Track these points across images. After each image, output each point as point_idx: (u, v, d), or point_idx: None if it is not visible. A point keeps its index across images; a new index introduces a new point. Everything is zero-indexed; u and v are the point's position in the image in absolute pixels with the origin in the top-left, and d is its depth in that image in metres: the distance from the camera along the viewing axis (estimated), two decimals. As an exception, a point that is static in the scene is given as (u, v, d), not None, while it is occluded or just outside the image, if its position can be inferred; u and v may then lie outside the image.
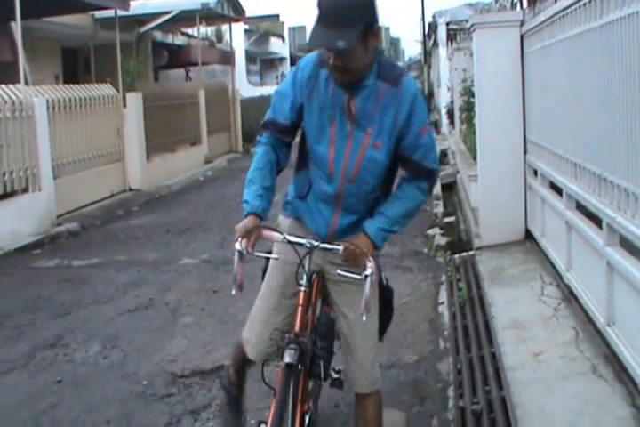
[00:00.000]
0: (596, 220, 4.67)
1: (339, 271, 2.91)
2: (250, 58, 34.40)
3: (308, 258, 2.97)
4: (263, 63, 39.19)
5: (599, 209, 4.44)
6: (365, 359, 3.10)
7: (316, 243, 2.93)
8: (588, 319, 4.68)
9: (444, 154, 15.17)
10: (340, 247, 2.88)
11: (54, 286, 7.31)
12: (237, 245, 2.85)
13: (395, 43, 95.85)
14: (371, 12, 2.64)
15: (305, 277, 2.98)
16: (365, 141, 2.86)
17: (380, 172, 2.95)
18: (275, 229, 2.98)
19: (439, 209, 10.02)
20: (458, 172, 11.78)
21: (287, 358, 2.79)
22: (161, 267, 7.83)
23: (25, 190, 9.84)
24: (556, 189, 5.89)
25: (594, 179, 4.60)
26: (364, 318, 2.75)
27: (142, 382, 4.78)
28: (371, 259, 2.78)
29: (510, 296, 5.61)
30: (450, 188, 11.68)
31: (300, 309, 2.95)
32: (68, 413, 4.41)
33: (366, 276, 2.74)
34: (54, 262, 8.40)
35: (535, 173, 6.75)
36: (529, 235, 7.00)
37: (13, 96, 9.69)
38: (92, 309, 6.48)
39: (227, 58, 23.71)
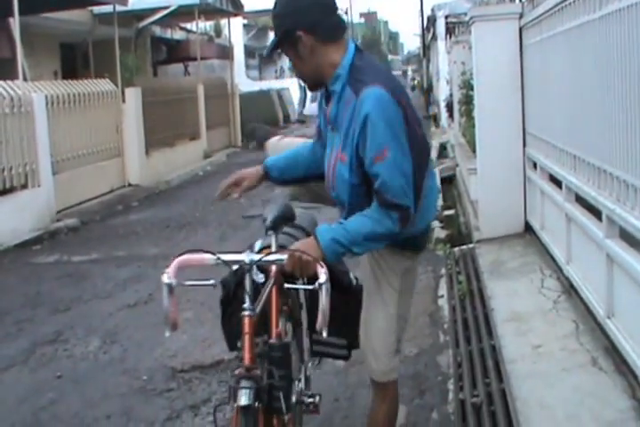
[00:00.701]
0: (595, 212, 4.66)
1: (286, 285, 2.77)
2: (249, 52, 34.35)
3: (248, 276, 2.64)
4: (262, 57, 39.09)
5: (599, 201, 4.42)
6: (379, 347, 2.95)
7: (256, 257, 2.63)
8: (588, 312, 4.67)
9: (443, 147, 15.18)
10: (284, 256, 2.57)
11: (54, 281, 7.32)
12: (165, 278, 2.51)
13: (394, 37, 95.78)
14: (290, 19, 2.64)
15: (247, 299, 2.61)
16: (338, 150, 2.72)
17: (348, 189, 2.70)
18: (208, 251, 2.64)
19: (438, 202, 10.01)
20: (457, 165, 11.77)
21: (242, 400, 2.43)
22: (161, 262, 7.80)
23: (24, 186, 9.86)
24: (556, 181, 5.87)
25: (593, 171, 4.58)
26: (324, 334, 2.52)
27: (142, 378, 4.78)
28: (322, 264, 2.48)
29: (510, 289, 5.60)
30: (449, 181, 11.66)
31: (246, 337, 2.55)
32: (68, 408, 4.41)
33: (320, 284, 2.44)
34: (54, 258, 8.41)
35: (534, 165, 6.73)
36: (528, 228, 6.99)
37: (12, 92, 9.68)
38: (91, 304, 6.48)
39: (225, 52, 23.71)
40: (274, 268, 2.87)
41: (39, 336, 5.67)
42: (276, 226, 2.98)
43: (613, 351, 4.08)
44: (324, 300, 2.45)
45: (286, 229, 3.19)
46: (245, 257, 2.63)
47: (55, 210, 10.43)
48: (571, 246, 5.32)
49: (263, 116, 24.99)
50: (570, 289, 5.18)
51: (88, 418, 4.27)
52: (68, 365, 5.11)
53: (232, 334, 3.21)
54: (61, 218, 10.39)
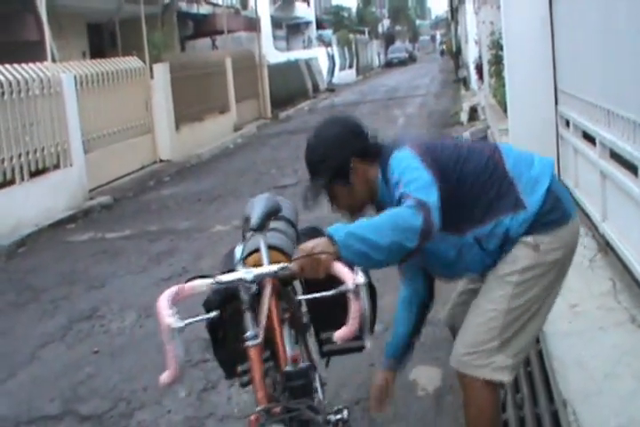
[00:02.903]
0: (630, 168, 4.55)
1: (299, 297, 2.39)
2: (275, 23, 34.15)
3: (246, 296, 2.31)
4: (289, 28, 38.88)
5: (634, 156, 4.32)
6: (466, 334, 2.66)
7: (256, 271, 2.28)
8: (626, 269, 4.57)
9: (473, 110, 15.00)
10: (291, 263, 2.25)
11: (89, 258, 7.37)
12: (173, 321, 2.10)
13: (421, 1, 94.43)
14: (338, 153, 2.57)
15: (250, 323, 2.29)
16: None
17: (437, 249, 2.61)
18: (204, 276, 2.32)
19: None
20: (488, 127, 11.60)
21: None
22: (193, 235, 7.85)
23: (56, 166, 9.94)
24: (589, 138, 5.75)
25: (628, 125, 4.45)
26: (367, 344, 2.36)
27: (178, 350, 4.79)
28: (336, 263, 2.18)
29: (545, 249, 5.51)
30: (482, 144, 11.51)
31: (256, 371, 2.23)
32: (105, 382, 4.45)
33: (357, 286, 2.10)
34: (88, 236, 8.47)
35: (567, 123, 6.59)
36: (563, 187, 6.86)
37: (41, 74, 9.72)
38: (126, 279, 6.52)
39: (252, 24, 23.55)
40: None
41: (75, 313, 5.71)
42: (263, 225, 2.61)
43: (652, 308, 4.00)
44: (365, 303, 2.12)
45: (272, 223, 2.78)
46: (244, 274, 2.27)
47: (88, 188, 10.50)
48: (606, 203, 5.21)
49: (292, 87, 24.91)
50: (606, 247, 5.08)
51: (125, 391, 4.30)
52: (105, 340, 5.15)
53: (228, 360, 2.85)
54: (94, 196, 10.47)
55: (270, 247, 2.56)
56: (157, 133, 13.65)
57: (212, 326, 2.73)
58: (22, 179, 9.07)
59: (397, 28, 72.72)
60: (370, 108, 21.13)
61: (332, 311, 2.48)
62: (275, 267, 2.28)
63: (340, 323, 2.20)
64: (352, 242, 2.21)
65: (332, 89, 30.02)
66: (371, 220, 2.31)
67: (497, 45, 11.16)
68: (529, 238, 2.55)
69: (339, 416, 2.49)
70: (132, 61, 13.13)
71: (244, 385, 2.89)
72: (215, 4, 23.14)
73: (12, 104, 8.99)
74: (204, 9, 23.23)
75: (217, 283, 2.24)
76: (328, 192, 2.61)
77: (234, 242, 2.52)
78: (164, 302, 2.15)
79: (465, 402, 2.69)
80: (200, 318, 2.28)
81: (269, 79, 21.69)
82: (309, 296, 2.26)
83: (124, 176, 12.04)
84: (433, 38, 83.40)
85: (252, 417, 2.22)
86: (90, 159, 10.76)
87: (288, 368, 2.34)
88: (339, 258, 2.20)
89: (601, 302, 4.28)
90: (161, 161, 13.60)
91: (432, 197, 2.34)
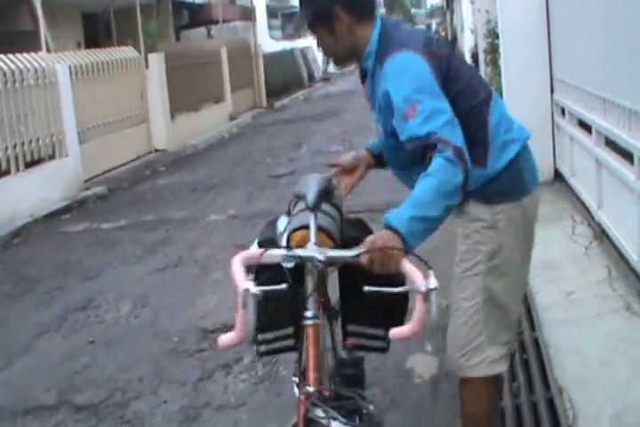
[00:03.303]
0: (626, 156, 4.54)
1: (367, 288, 2.13)
2: (271, 13, 33.98)
3: (311, 277, 2.33)
4: (284, 17, 38.68)
5: (630, 144, 4.31)
6: (454, 337, 2.64)
7: (330, 253, 2.28)
8: (621, 257, 4.57)
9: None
10: (361, 250, 2.18)
11: (84, 249, 7.35)
12: (250, 286, 2.06)
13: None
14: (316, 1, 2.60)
15: (311, 303, 2.32)
16: (379, 126, 2.66)
17: (393, 154, 2.64)
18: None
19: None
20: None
21: None
22: (189, 225, 7.83)
23: (52, 157, 9.88)
24: (585, 127, 5.74)
25: (624, 113, 4.45)
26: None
27: (174, 339, 4.80)
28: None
29: (541, 237, 5.43)
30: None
31: (312, 352, 2.25)
32: (101, 372, 4.44)
33: (430, 290, 2.00)
34: (83, 226, 8.44)
35: (563, 111, 6.58)
36: (558, 176, 6.86)
37: (36, 64, 9.65)
38: (121, 270, 6.50)
39: (247, 14, 23.45)
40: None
41: (71, 303, 5.70)
42: (317, 205, 2.55)
43: (648, 295, 4.00)
44: (434, 310, 2.03)
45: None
46: (317, 253, 2.25)
47: (83, 179, 10.46)
48: (602, 191, 5.21)
49: (287, 76, 24.83)
50: (601, 235, 5.08)
51: (121, 381, 4.29)
52: (100, 330, 5.14)
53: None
54: (89, 186, 10.43)
55: (319, 229, 2.51)
56: (153, 123, 13.59)
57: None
58: (17, 169, 9.02)
59: (393, 16, 72.59)
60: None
61: (363, 305, 2.54)
62: (349, 253, 2.24)
63: (369, 320, 2.34)
64: (415, 227, 2.20)
65: (327, 78, 29.94)
66: (418, 194, 2.24)
67: (493, 34, 11.10)
68: (486, 211, 2.56)
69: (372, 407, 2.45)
70: (127, 51, 13.06)
71: (260, 355, 2.85)
72: (210, -6, 23.05)
73: (6, 94, 8.94)
74: (200, -2, 23.16)
75: (290, 256, 2.22)
76: (315, 33, 2.66)
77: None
78: (237, 265, 2.13)
79: (464, 398, 2.69)
80: (272, 287, 2.17)
81: (265, 68, 21.60)
82: (376, 289, 2.09)
83: (120, 166, 11.98)
84: (428, 27, 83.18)
85: (302, 396, 2.21)
86: (85, 149, 10.71)
87: (343, 356, 2.35)
88: (407, 251, 2.18)
89: (597, 290, 4.28)
90: (156, 151, 13.54)
91: (459, 134, 2.31)
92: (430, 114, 2.31)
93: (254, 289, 2.03)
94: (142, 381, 4.26)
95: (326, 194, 2.66)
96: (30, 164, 9.39)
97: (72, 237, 8.01)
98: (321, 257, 2.23)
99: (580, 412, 3.09)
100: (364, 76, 2.70)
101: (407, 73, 2.41)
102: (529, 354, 3.80)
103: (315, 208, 2.52)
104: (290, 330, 2.64)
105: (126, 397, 4.10)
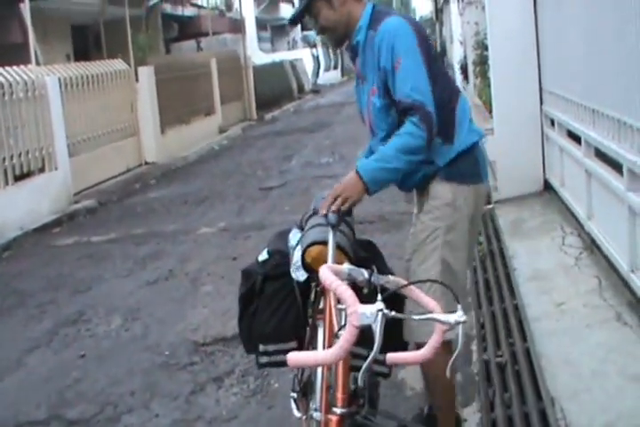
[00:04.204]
0: (616, 166, 4.56)
1: (414, 317, 1.97)
2: (260, 25, 34.05)
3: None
4: (274, 29, 38.79)
5: (619, 154, 4.34)
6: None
7: (374, 277, 2.10)
8: (611, 267, 4.59)
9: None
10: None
11: (74, 263, 7.32)
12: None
13: (405, 1, 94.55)
14: None
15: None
16: (370, 92, 2.93)
17: (384, 116, 2.88)
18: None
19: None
20: (474, 127, 11.60)
21: None
22: (180, 238, 7.82)
23: (41, 170, 9.86)
24: (575, 137, 5.77)
25: (613, 124, 4.48)
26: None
27: (165, 353, 4.78)
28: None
29: (531, 248, 5.53)
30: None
31: (342, 373, 2.24)
32: (92, 386, 4.42)
33: (459, 322, 1.90)
34: (73, 240, 8.42)
35: (552, 122, 6.61)
36: (547, 186, 6.88)
37: (25, 77, 9.66)
38: (112, 283, 6.48)
39: (237, 26, 23.50)
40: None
41: (62, 317, 5.68)
42: (339, 223, 2.62)
43: (638, 306, 4.01)
44: (459, 340, 1.93)
45: None
46: (365, 273, 2.10)
47: (73, 192, 10.43)
48: (591, 202, 5.23)
49: (277, 88, 24.86)
50: (591, 245, 5.09)
51: (113, 395, 4.27)
52: (91, 344, 5.12)
53: (251, 335, 2.87)
54: (79, 200, 10.40)
55: (337, 247, 2.58)
56: (143, 136, 13.59)
57: (246, 298, 2.86)
58: (7, 183, 9.00)
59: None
60: (355, 109, 21.09)
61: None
62: (385, 279, 2.12)
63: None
64: (377, 176, 2.71)
65: (316, 90, 30.02)
66: (386, 149, 2.71)
67: (482, 46, 11.17)
68: (447, 190, 2.85)
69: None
70: (117, 64, 13.07)
71: (260, 366, 2.91)
72: (200, 6, 23.09)
73: (-5, 107, 8.93)
74: (189, 11, 23.15)
75: (350, 273, 2.06)
76: (314, 15, 2.94)
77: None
78: (331, 275, 1.91)
79: (425, 369, 2.95)
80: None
81: (254, 80, 21.64)
82: (396, 315, 1.88)
83: (110, 179, 11.96)
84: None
85: (334, 418, 2.19)
86: (75, 162, 10.69)
87: (359, 381, 2.18)
88: (367, 192, 2.69)
89: (587, 300, 4.30)
90: (146, 164, 13.53)
91: (427, 96, 2.70)
92: (412, 75, 2.71)
93: (386, 310, 1.82)
94: (134, 394, 4.24)
95: (348, 212, 2.80)
96: (20, 177, 9.36)
97: (62, 250, 7.99)
98: (365, 276, 2.09)
99: (572, 422, 3.10)
100: (355, 56, 2.98)
101: (399, 32, 2.77)
102: (520, 365, 3.79)
103: (335, 226, 2.61)
104: (293, 344, 2.70)
105: (118, 411, 4.08)
